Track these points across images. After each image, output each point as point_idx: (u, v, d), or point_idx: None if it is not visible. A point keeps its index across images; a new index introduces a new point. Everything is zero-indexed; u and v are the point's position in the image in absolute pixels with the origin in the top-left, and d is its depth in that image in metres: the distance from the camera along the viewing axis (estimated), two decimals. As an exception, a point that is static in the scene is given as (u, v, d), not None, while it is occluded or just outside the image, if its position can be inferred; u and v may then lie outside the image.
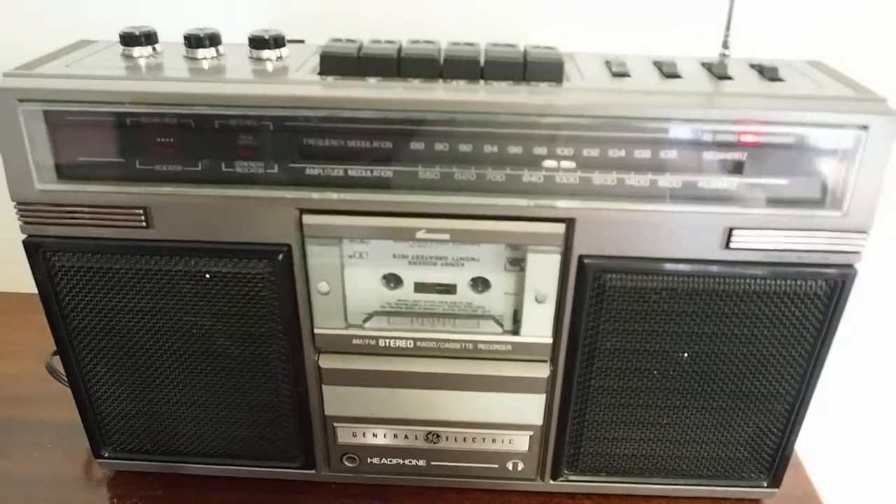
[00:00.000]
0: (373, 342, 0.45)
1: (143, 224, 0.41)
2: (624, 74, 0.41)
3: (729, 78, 0.41)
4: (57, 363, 0.49)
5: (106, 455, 0.51)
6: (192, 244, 0.42)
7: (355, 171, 0.39)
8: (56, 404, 0.56)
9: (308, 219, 0.41)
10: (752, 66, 0.43)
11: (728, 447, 0.47)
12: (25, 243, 0.42)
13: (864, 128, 0.37)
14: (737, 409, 0.45)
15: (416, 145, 0.39)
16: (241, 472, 0.51)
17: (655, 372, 0.44)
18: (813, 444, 0.56)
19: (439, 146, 0.39)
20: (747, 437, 0.47)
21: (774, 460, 0.48)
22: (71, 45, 0.45)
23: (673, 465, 0.48)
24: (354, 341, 0.45)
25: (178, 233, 0.41)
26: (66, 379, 0.48)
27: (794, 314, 0.42)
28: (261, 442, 0.49)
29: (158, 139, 0.39)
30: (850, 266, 0.41)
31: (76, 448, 0.54)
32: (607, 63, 0.43)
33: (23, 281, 0.45)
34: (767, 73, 0.42)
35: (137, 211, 0.41)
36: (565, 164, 0.39)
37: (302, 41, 0.46)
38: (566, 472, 0.49)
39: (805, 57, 0.46)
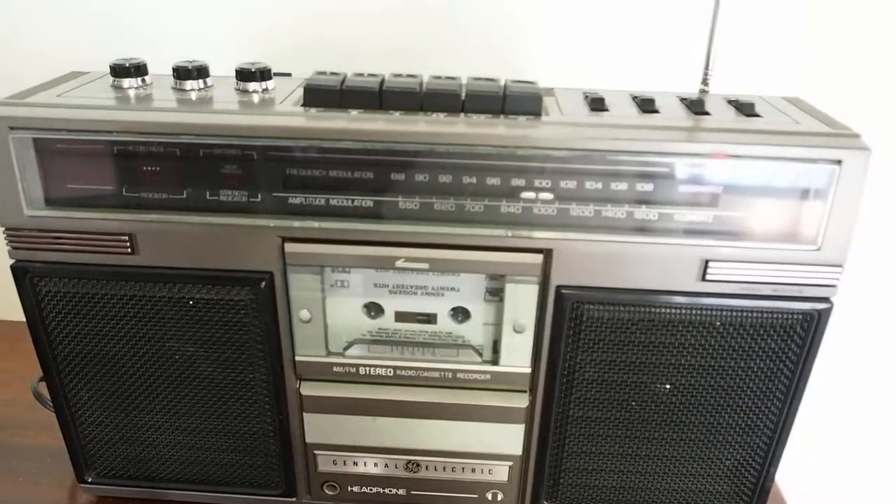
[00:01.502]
0: (353, 370, 0.45)
1: (129, 250, 0.42)
2: (602, 109, 0.42)
3: (706, 113, 0.42)
4: (44, 389, 0.49)
5: (90, 480, 0.51)
6: (176, 271, 0.42)
7: (337, 200, 0.40)
8: (43, 430, 0.57)
9: (290, 247, 0.41)
10: (730, 101, 0.44)
11: (708, 480, 0.47)
12: (13, 268, 0.43)
13: (838, 162, 0.38)
14: (716, 442, 0.45)
15: (397, 176, 0.39)
16: (222, 500, 0.51)
17: (634, 403, 0.44)
18: (795, 477, 0.56)
19: (419, 177, 0.39)
20: (727, 470, 0.47)
21: (755, 493, 0.47)
22: (63, 76, 0.46)
23: (653, 497, 0.48)
24: (335, 369, 0.45)
25: (162, 259, 0.42)
26: (51, 404, 0.48)
27: (770, 347, 0.42)
28: (243, 469, 0.49)
29: (145, 168, 0.40)
30: (826, 299, 0.41)
31: (61, 473, 0.54)
32: (586, 97, 0.44)
33: (13, 308, 0.46)
34: (744, 108, 0.42)
35: (123, 237, 0.42)
36: (543, 195, 0.39)
37: (289, 74, 0.47)
38: (546, 502, 0.49)
39: (787, 92, 0.47)
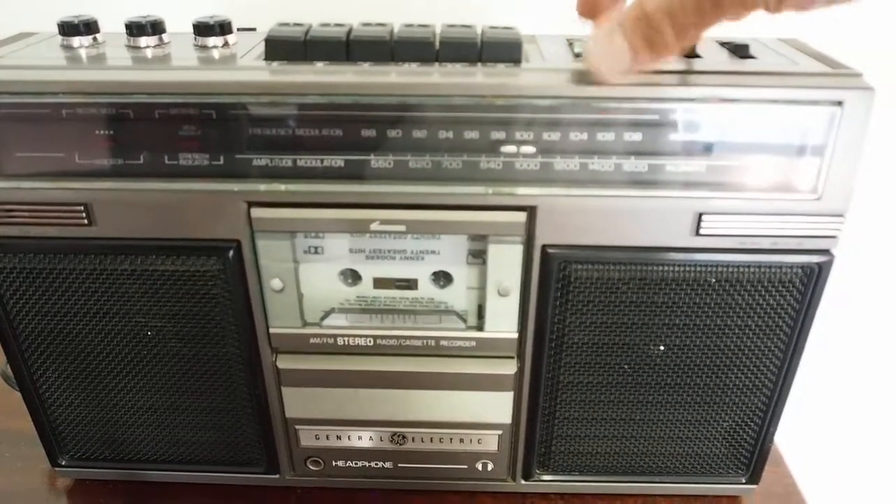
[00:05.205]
0: (331, 341, 0.43)
1: (86, 221, 0.39)
2: (587, 54, 0.39)
3: (697, 56, 0.39)
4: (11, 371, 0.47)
5: (63, 463, 0.49)
6: (137, 242, 0.40)
7: (304, 160, 0.37)
8: (15, 413, 0.54)
9: (257, 212, 0.39)
10: (723, 43, 0.41)
11: (704, 443, 0.46)
12: (-36, 244, 0.40)
13: (839, 104, 0.35)
14: (712, 403, 0.44)
15: (367, 132, 0.37)
16: (203, 479, 0.49)
17: (626, 366, 0.42)
18: (794, 439, 0.55)
19: (392, 133, 0.37)
20: (724, 432, 0.45)
21: (753, 455, 0.46)
22: (8, 38, 0.43)
23: (648, 463, 0.47)
24: (312, 340, 0.43)
25: (122, 230, 0.40)
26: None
27: (768, 303, 0.40)
28: (222, 447, 0.47)
29: (97, 132, 0.37)
30: (827, 251, 0.39)
31: (38, 457, 0.52)
32: (570, 43, 0.41)
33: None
34: (738, 50, 0.40)
35: (78, 208, 0.39)
36: (525, 148, 0.37)
37: (253, 29, 0.44)
38: (538, 471, 0.48)
39: (783, 33, 0.44)
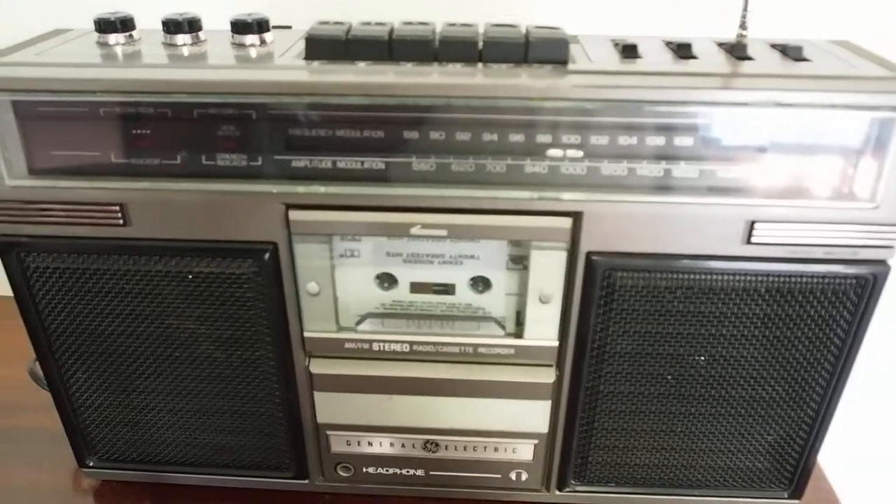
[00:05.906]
0: (366, 346, 0.42)
1: (121, 222, 0.39)
2: (634, 56, 0.38)
3: (749, 58, 0.38)
4: (40, 369, 0.47)
5: (91, 464, 0.49)
6: (172, 243, 0.39)
7: (344, 162, 0.37)
8: (42, 412, 0.54)
9: (295, 214, 0.38)
10: (774, 46, 0.40)
11: (746, 456, 0.44)
12: (-2, 242, 0.40)
13: (900, 110, 0.34)
14: (757, 417, 0.42)
15: (410, 134, 0.36)
16: (231, 482, 0.49)
17: (669, 377, 0.41)
18: (837, 453, 0.53)
19: (434, 135, 0.36)
20: (767, 446, 0.44)
21: (796, 470, 0.45)
22: (44, 34, 0.43)
23: (687, 476, 0.46)
24: (347, 345, 0.42)
25: (157, 231, 0.39)
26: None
27: (820, 314, 0.38)
28: (251, 451, 0.47)
29: (134, 131, 0.37)
30: (883, 262, 0.37)
31: (64, 457, 0.51)
32: (616, 44, 0.40)
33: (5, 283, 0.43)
34: (791, 52, 0.39)
35: (114, 208, 0.38)
36: (571, 152, 0.36)
37: (289, 27, 0.44)
38: (573, 482, 0.47)
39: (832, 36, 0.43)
